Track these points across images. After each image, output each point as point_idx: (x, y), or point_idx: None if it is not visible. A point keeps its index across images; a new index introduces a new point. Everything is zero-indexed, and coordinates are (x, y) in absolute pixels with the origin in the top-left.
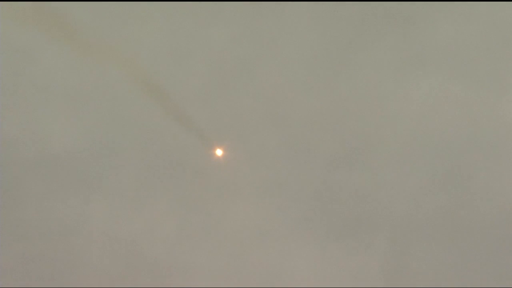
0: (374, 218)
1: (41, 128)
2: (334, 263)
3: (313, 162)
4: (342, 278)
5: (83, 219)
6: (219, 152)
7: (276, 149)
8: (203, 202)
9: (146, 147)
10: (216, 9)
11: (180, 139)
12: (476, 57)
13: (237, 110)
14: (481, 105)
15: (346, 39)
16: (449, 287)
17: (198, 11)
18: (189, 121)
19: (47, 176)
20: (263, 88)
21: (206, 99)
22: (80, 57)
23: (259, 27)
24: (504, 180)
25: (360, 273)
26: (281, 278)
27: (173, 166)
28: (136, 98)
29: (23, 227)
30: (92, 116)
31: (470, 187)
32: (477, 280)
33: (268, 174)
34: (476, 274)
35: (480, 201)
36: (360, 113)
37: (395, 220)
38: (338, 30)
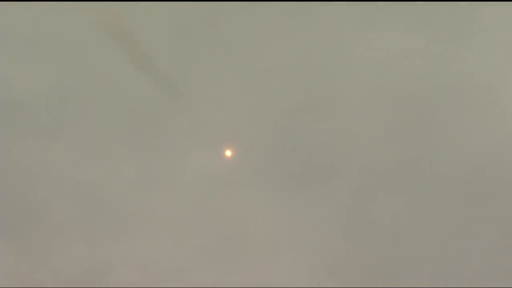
0: (334, 168)
1: (1, 74)
2: (294, 212)
3: (274, 110)
4: (301, 227)
5: (43, 166)
6: (228, 153)
7: (237, 97)
8: (163, 149)
9: (106, 95)
10: None
11: (141, 87)
12: (439, 8)
13: (200, 59)
14: (444, 57)
15: None
16: (409, 237)
17: None
18: (150, 69)
19: (6, 123)
20: (227, 37)
21: (168, 47)
22: (43, 3)
23: None
24: (464, 132)
25: (320, 223)
26: (240, 226)
27: (133, 114)
28: (99, 45)
29: None
30: (53, 62)
31: (430, 139)
32: (437, 230)
33: (229, 121)
34: (436, 225)
35: (441, 153)
36: (321, 63)
37: (356, 170)
38: None
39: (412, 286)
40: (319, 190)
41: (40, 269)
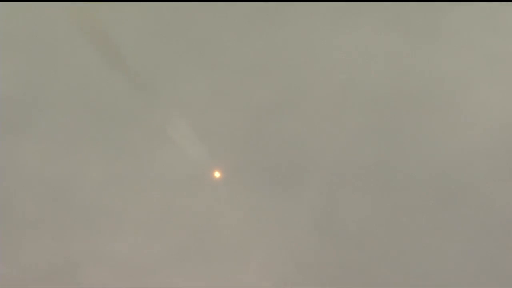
0: (305, 167)
1: None
2: (264, 210)
3: (245, 109)
4: (271, 225)
5: (11, 162)
6: (217, 174)
7: (208, 96)
8: (132, 146)
9: (77, 91)
10: None
11: (111, 83)
12: (410, 8)
13: (171, 57)
14: (415, 57)
15: None
16: (377, 236)
17: None
18: (121, 65)
19: None
20: (198, 35)
21: (140, 45)
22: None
23: None
24: (433, 134)
25: (290, 221)
26: (210, 224)
27: (102, 111)
28: (70, 42)
29: None
30: (22, 58)
31: (399, 140)
32: (404, 230)
33: (198, 120)
34: (404, 225)
35: (409, 154)
36: (291, 62)
37: (326, 170)
38: None
39: (380, 286)
40: (290, 189)
41: (7, 265)
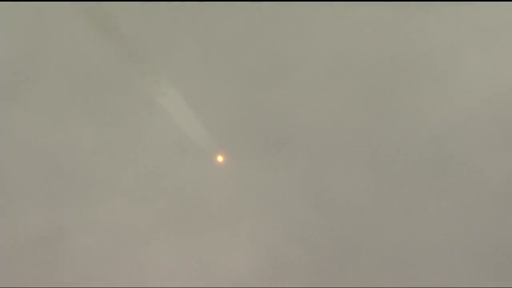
0: (293, 137)
1: None
2: (253, 179)
3: (234, 78)
4: (260, 194)
5: (2, 130)
6: (220, 158)
7: (198, 65)
8: (122, 115)
9: (67, 60)
10: None
11: (102, 52)
12: None
13: (162, 25)
14: (407, 26)
15: None
16: (366, 206)
17: None
18: (112, 34)
19: None
20: (188, 2)
21: (131, 11)
22: None
23: None
24: (426, 102)
25: (278, 191)
26: (199, 192)
27: (93, 79)
28: (59, 9)
29: None
30: (14, 28)
31: (392, 109)
32: (394, 200)
33: (189, 89)
34: (393, 194)
35: (401, 123)
36: (282, 31)
37: (315, 139)
38: None
39: (369, 254)
40: (278, 159)
41: None
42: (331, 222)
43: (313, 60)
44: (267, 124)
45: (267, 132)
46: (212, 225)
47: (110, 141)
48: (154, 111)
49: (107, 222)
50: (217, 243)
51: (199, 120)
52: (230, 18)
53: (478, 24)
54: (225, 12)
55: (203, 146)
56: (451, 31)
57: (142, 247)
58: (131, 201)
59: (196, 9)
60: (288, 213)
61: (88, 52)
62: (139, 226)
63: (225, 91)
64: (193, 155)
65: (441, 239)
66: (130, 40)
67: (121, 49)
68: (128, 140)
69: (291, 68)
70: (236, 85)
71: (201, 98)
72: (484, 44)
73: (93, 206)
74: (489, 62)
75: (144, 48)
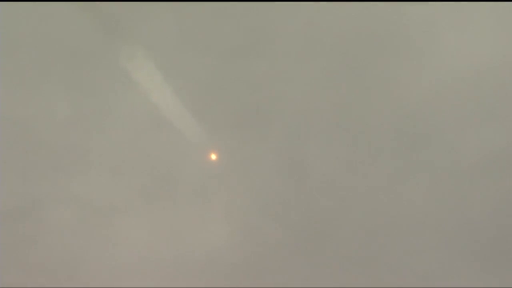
0: (269, 110)
1: None
2: (228, 152)
3: (210, 52)
4: (235, 167)
5: None
6: (213, 156)
7: (174, 37)
8: (98, 86)
9: (42, 33)
10: None
11: (76, 25)
12: None
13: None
14: (382, 3)
15: None
16: (342, 181)
17: None
18: (87, 5)
19: None
20: None
21: None
22: None
23: None
24: (402, 77)
25: (254, 165)
26: (175, 165)
27: (68, 50)
28: None
29: None
30: None
31: (368, 84)
32: (370, 175)
33: (165, 61)
34: (369, 169)
35: (377, 98)
36: (258, 4)
37: (291, 114)
38: None
39: (344, 230)
40: (254, 132)
41: None
42: (307, 196)
43: (289, 34)
44: (243, 97)
45: (243, 105)
46: (188, 199)
47: (85, 114)
48: (129, 84)
49: (82, 194)
50: (193, 217)
51: (174, 93)
52: None
53: (454, 1)
54: None
55: (178, 119)
56: (426, 7)
57: (117, 220)
58: (106, 174)
59: None
60: (264, 187)
61: (63, 24)
62: (114, 199)
63: (201, 64)
64: (169, 129)
65: (416, 215)
66: (105, 12)
67: (96, 21)
68: (103, 113)
69: (268, 42)
70: (212, 58)
71: (176, 71)
72: (460, 21)
73: (68, 179)
74: (465, 39)
75: (118, 20)
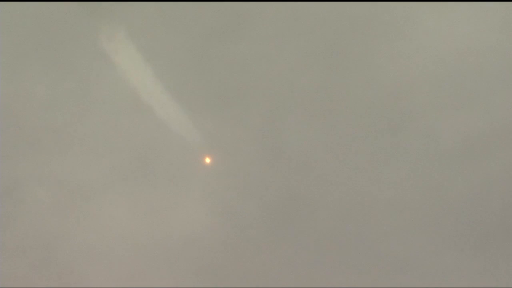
0: (249, 91)
1: None
2: (207, 132)
3: (190, 32)
4: (214, 147)
5: None
6: (207, 160)
7: (155, 18)
8: (78, 66)
9: (21, 11)
10: None
11: (56, 5)
12: None
13: None
14: None
15: None
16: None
17: None
18: None
19: None
20: None
21: None
22: None
23: None
24: (381, 60)
25: (232, 145)
26: (154, 145)
27: (49, 29)
28: None
29: None
30: None
31: (347, 65)
32: (350, 156)
33: (145, 42)
34: (349, 151)
35: (357, 80)
36: None
37: (270, 94)
38: None
39: (323, 209)
40: (233, 113)
41: None
42: (286, 177)
43: (268, 14)
44: (223, 79)
45: (223, 87)
46: (167, 179)
47: (64, 94)
48: (109, 65)
49: (61, 174)
50: (172, 197)
51: (155, 74)
52: None
53: None
54: None
55: (157, 100)
56: None
57: (96, 200)
58: (85, 154)
59: None
60: (243, 168)
61: (42, 4)
62: (93, 179)
63: (181, 45)
64: (148, 110)
65: (395, 197)
66: None
67: (77, 2)
68: (83, 93)
69: (248, 24)
70: (192, 40)
71: (157, 53)
72: (440, 5)
73: (47, 159)
74: (445, 23)
75: (99, 1)
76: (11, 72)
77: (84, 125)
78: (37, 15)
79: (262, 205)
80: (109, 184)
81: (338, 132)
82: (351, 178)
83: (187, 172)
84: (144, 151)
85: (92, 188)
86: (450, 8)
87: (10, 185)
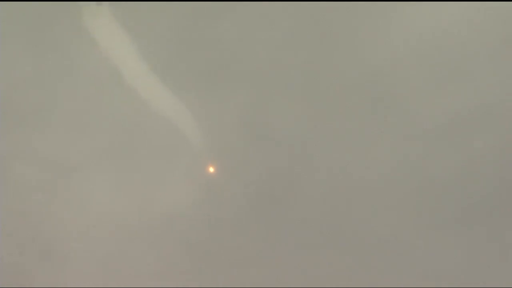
0: (233, 69)
1: None
2: (191, 110)
3: (174, 10)
4: (199, 126)
5: None
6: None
7: None
8: (59, 45)
9: None
10: None
11: None
12: None
13: None
14: None
15: None
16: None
17: None
18: None
19: None
20: None
21: None
22: None
23: None
24: (366, 39)
25: (217, 126)
26: (140, 123)
27: (29, 7)
28: None
29: None
30: None
31: (331, 43)
32: (333, 134)
33: (129, 19)
34: (333, 129)
35: (341, 58)
36: None
37: (255, 72)
38: None
39: (307, 188)
40: (217, 91)
41: None
42: (270, 155)
43: None
44: (207, 57)
45: (207, 65)
46: (150, 157)
47: (47, 71)
48: (92, 42)
49: (45, 152)
50: (155, 175)
51: (139, 51)
52: None
53: None
54: None
55: (141, 77)
56: None
57: (79, 178)
58: (68, 132)
59: None
60: (227, 147)
61: None
62: (77, 156)
63: (165, 23)
64: (132, 87)
65: (380, 176)
66: None
67: None
68: (66, 70)
69: (232, 2)
70: (176, 18)
71: (140, 30)
72: None
73: (30, 136)
74: (432, 3)
75: None
76: None
77: (68, 103)
78: None
79: (247, 183)
80: (93, 162)
81: (322, 110)
82: (335, 157)
83: (171, 150)
84: (128, 129)
85: (76, 166)
86: None
87: None
